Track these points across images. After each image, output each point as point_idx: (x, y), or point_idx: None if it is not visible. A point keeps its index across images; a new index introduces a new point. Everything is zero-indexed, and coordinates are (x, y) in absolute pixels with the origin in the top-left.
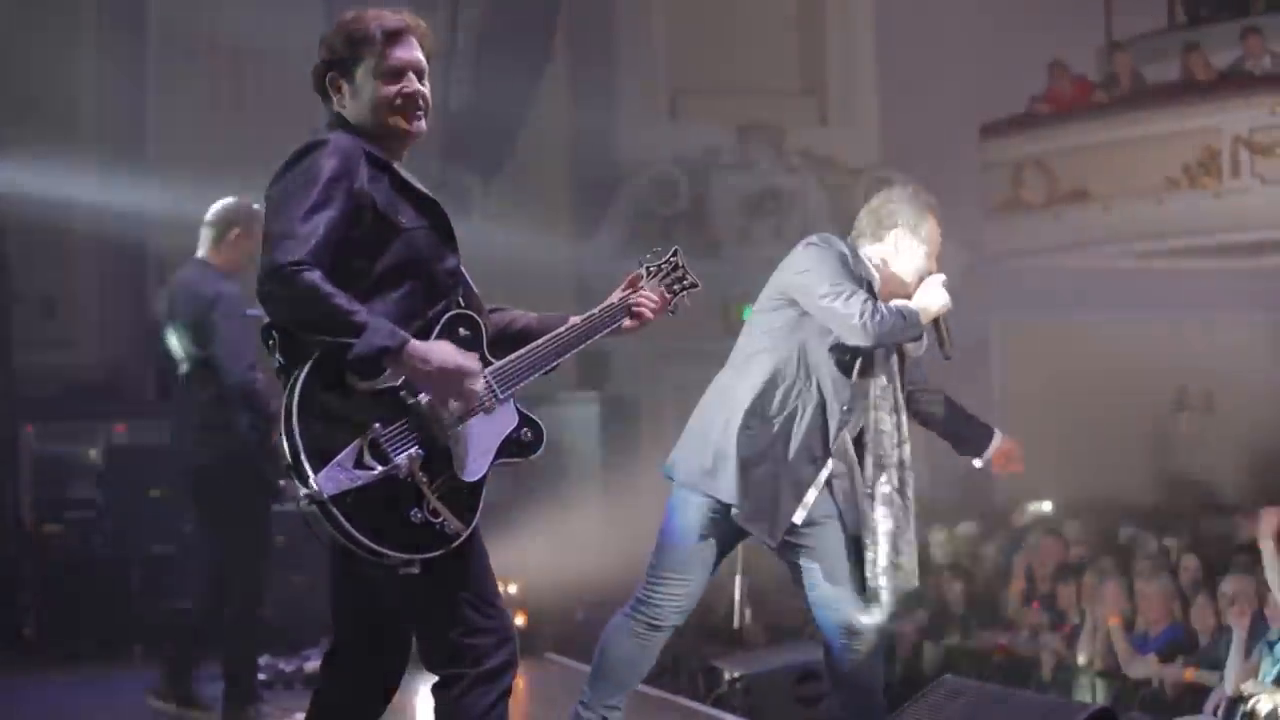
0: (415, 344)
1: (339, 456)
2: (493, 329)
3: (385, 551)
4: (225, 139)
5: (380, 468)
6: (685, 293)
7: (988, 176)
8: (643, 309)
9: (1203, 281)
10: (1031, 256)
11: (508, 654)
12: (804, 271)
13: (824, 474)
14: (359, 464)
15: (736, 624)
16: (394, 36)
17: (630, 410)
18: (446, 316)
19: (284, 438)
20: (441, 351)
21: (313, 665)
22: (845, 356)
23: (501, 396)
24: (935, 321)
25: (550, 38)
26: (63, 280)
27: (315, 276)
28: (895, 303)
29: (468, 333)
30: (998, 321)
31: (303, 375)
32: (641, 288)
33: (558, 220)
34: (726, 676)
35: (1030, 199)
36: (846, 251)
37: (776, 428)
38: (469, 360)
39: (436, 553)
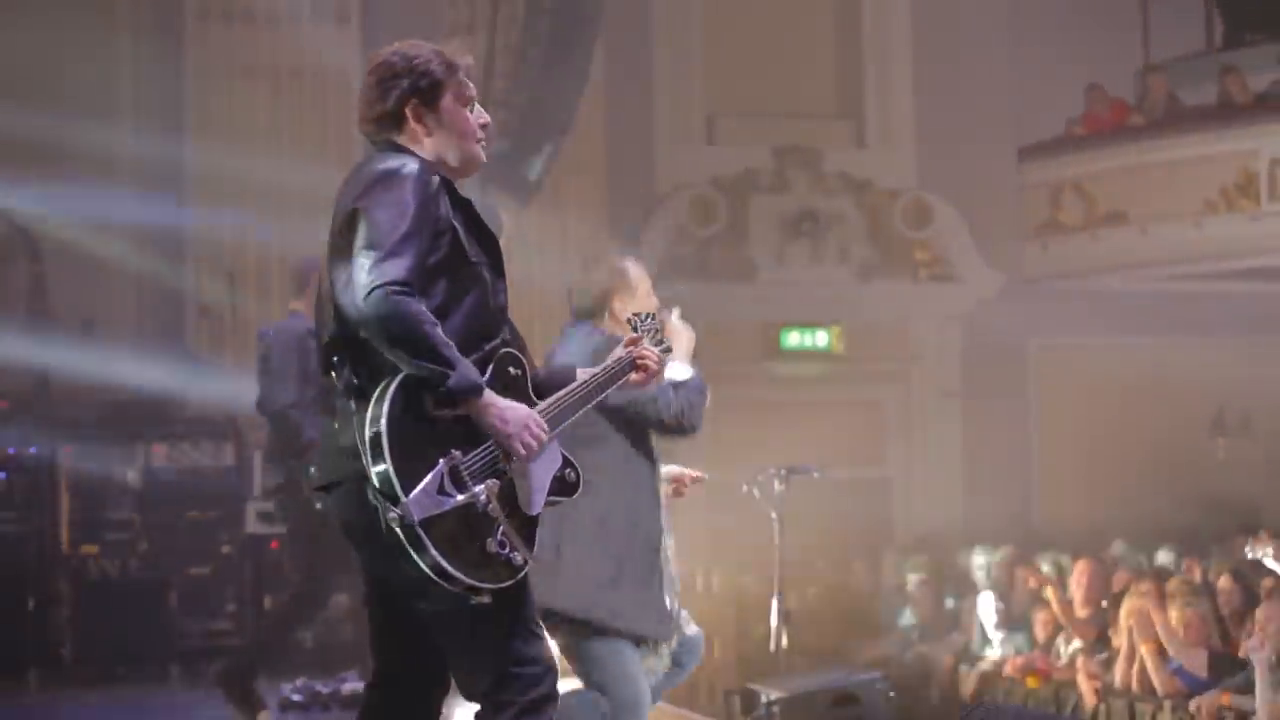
0: (490, 394)
1: (424, 482)
2: None
3: (466, 580)
4: (261, 163)
5: (461, 495)
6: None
7: (1025, 199)
8: (647, 363)
9: (1240, 304)
10: (1069, 279)
11: (551, 684)
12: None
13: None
14: (441, 490)
15: (773, 647)
16: (467, 70)
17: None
18: (499, 354)
19: (370, 457)
20: (515, 405)
21: (349, 687)
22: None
23: (549, 435)
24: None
25: (587, 60)
26: (100, 302)
27: (417, 303)
28: (674, 377)
29: (517, 372)
30: (1035, 343)
31: (390, 397)
32: (642, 344)
33: (594, 241)
34: (763, 699)
35: (1068, 221)
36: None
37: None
38: (537, 417)
39: (507, 583)
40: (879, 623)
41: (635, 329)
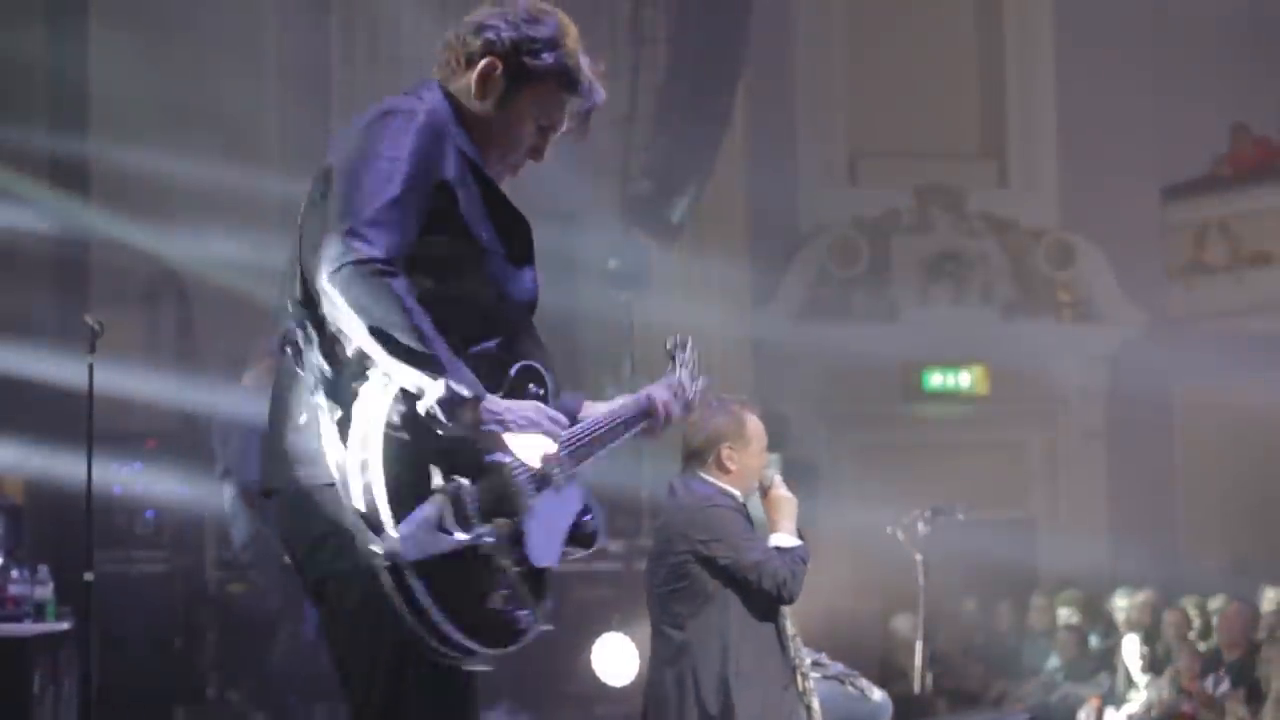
0: (493, 401)
1: (422, 511)
2: None
3: (464, 642)
4: None
5: (463, 534)
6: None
7: (1169, 239)
8: (656, 410)
9: None
10: (1214, 319)
11: None
12: (717, 541)
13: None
14: (441, 525)
15: (918, 689)
16: (585, 106)
17: (809, 473)
18: (518, 368)
19: (353, 472)
20: (524, 409)
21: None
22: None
23: (572, 471)
24: None
25: (730, 101)
26: (248, 343)
27: (401, 286)
28: (779, 544)
29: (539, 390)
30: (1180, 384)
31: (390, 400)
32: (666, 391)
33: (737, 284)
34: None
35: (1213, 261)
36: (736, 498)
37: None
38: (552, 422)
39: (509, 649)
40: (1024, 665)
41: (672, 356)
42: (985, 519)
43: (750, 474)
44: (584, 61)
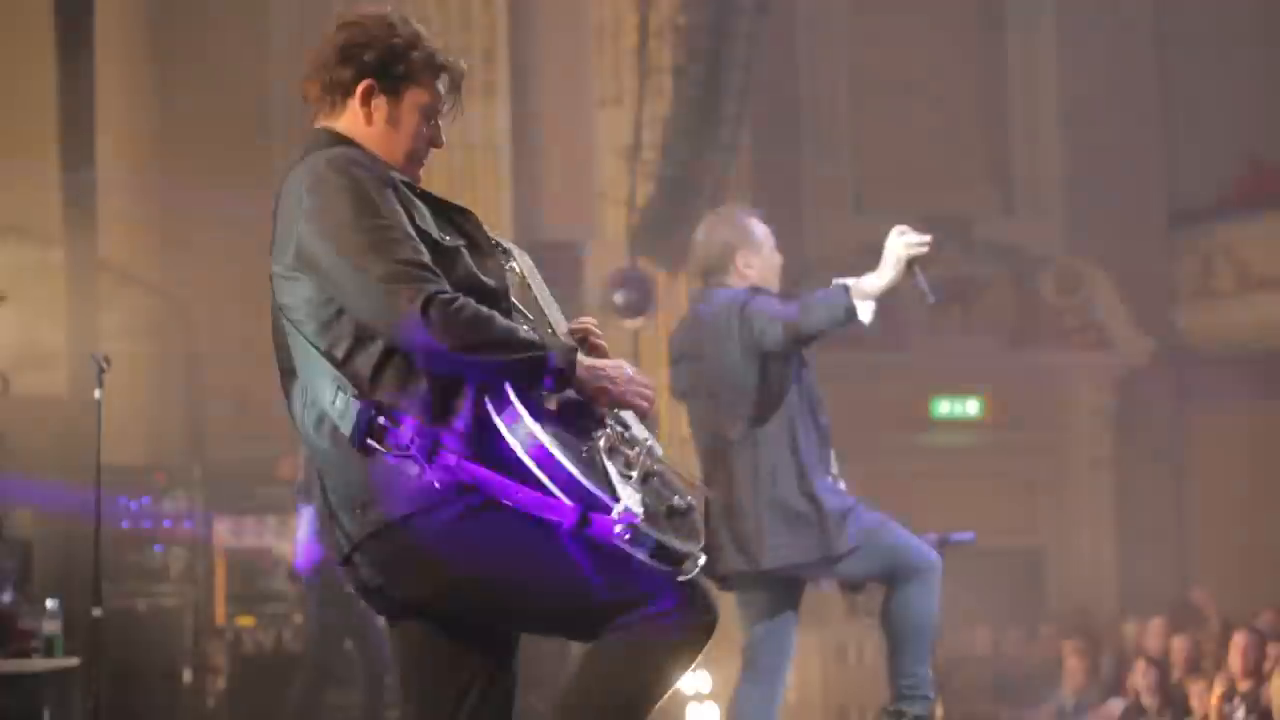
0: (586, 359)
1: (612, 475)
2: None
3: (694, 549)
4: None
5: (634, 470)
6: None
7: (1177, 265)
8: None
9: None
10: (1222, 345)
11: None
12: (752, 317)
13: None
14: (622, 473)
15: None
16: (454, 79)
17: None
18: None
19: (551, 472)
20: (608, 360)
21: None
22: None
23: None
24: (911, 269)
25: (735, 131)
26: (255, 376)
27: (470, 301)
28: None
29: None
30: (1188, 409)
31: (520, 407)
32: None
33: None
34: None
35: (1220, 287)
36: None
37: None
38: (631, 368)
39: (704, 540)
40: (1035, 693)
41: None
42: (994, 547)
43: (770, 274)
44: (432, 39)
